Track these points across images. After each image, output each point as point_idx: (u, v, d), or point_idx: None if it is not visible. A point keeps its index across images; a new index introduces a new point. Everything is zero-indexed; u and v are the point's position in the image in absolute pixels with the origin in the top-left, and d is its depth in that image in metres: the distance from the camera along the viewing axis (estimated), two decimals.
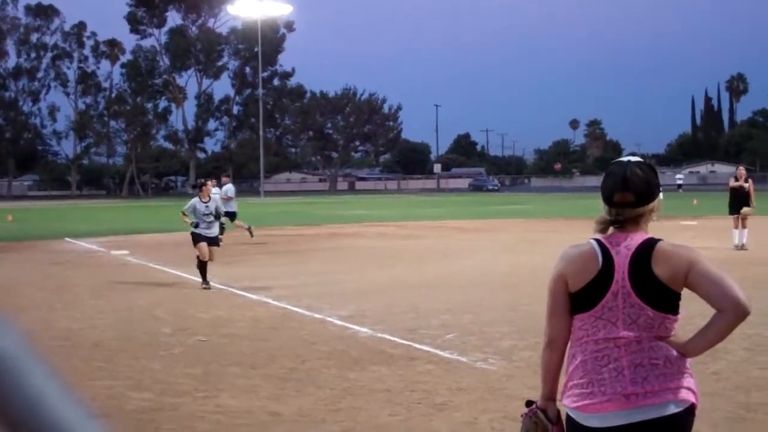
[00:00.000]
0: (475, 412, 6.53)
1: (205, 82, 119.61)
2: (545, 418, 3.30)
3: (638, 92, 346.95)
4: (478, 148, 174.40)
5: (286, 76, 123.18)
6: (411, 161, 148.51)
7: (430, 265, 18.02)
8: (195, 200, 15.16)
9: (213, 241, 15.25)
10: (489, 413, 6.48)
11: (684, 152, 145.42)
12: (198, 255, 14.67)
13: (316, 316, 11.30)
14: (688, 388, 3.11)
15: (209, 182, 17.38)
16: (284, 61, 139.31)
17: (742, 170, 21.55)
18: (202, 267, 14.55)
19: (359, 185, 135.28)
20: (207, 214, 15.09)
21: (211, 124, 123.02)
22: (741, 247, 20.00)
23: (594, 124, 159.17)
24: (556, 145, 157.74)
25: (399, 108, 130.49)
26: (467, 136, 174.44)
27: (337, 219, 38.53)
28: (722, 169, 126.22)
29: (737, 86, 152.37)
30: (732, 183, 21.19)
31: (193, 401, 7.02)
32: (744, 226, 20.43)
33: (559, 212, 40.75)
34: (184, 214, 15.12)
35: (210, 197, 15.47)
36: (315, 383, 7.59)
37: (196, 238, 14.90)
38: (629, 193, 3.17)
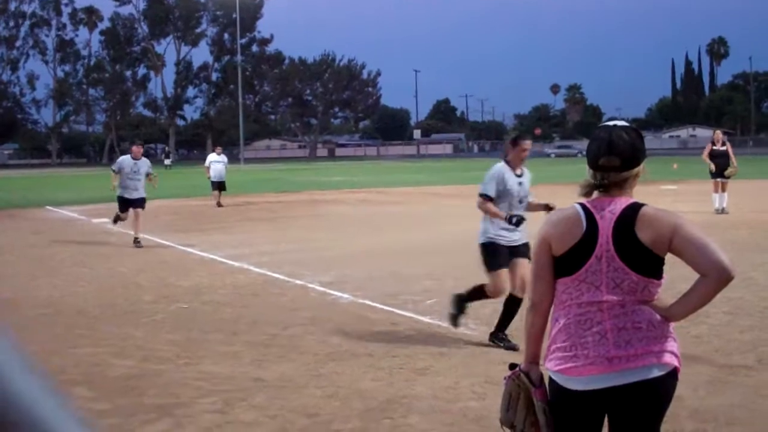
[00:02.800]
0: (456, 377, 6.55)
1: (184, 49, 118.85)
2: (528, 381, 3.30)
3: (618, 56, 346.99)
4: (458, 113, 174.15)
5: (265, 42, 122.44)
6: (391, 127, 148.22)
7: (411, 231, 18.03)
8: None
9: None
10: (470, 377, 6.50)
11: (664, 116, 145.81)
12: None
13: (298, 282, 11.29)
14: (671, 352, 3.12)
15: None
16: (262, 28, 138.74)
17: (719, 134, 21.60)
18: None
19: (339, 152, 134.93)
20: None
21: (190, 92, 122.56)
22: (721, 211, 20.12)
23: (574, 88, 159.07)
24: (536, 110, 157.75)
25: (378, 74, 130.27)
26: (447, 101, 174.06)
27: (317, 185, 38.46)
28: (703, 133, 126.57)
29: (718, 50, 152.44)
30: (708, 148, 21.20)
31: (175, 368, 7.01)
32: (724, 190, 20.51)
33: (540, 178, 40.83)
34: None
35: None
36: (297, 349, 7.59)
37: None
38: (615, 157, 3.16)
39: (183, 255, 14.65)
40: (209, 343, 7.89)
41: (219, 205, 25.84)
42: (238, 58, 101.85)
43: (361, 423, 5.53)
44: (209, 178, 26.66)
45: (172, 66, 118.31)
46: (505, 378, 3.40)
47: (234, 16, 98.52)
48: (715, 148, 20.90)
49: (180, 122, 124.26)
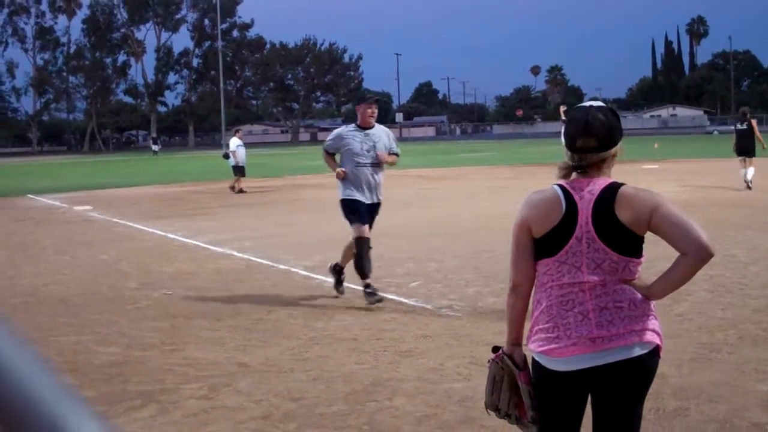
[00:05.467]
0: (440, 358, 6.57)
1: (164, 35, 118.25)
2: (512, 363, 3.31)
3: (599, 37, 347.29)
4: (440, 96, 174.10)
5: (245, 27, 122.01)
6: None
7: (393, 213, 17.99)
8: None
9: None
10: (455, 359, 6.53)
11: (645, 96, 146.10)
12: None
13: (281, 267, 11.28)
14: (653, 330, 3.13)
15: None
16: (243, 13, 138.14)
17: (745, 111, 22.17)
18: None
19: (321, 136, 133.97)
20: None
21: (171, 78, 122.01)
22: (748, 185, 20.71)
23: (555, 70, 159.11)
24: (518, 91, 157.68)
25: (360, 57, 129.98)
26: (429, 84, 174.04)
27: (300, 170, 38.38)
28: (683, 112, 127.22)
29: (697, 29, 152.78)
30: (738, 126, 21.77)
31: (160, 354, 7.00)
32: (748, 166, 21.11)
33: (521, 159, 40.89)
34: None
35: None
36: (281, 333, 7.59)
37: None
38: (592, 138, 3.15)
39: (166, 241, 14.60)
40: (193, 328, 7.88)
41: (242, 191, 25.34)
42: (219, 43, 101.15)
43: (346, 406, 5.54)
44: (237, 163, 25.81)
45: (153, 52, 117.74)
46: (488, 361, 3.40)
47: (214, 1, 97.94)
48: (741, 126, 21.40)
49: (161, 109, 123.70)
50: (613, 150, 3.20)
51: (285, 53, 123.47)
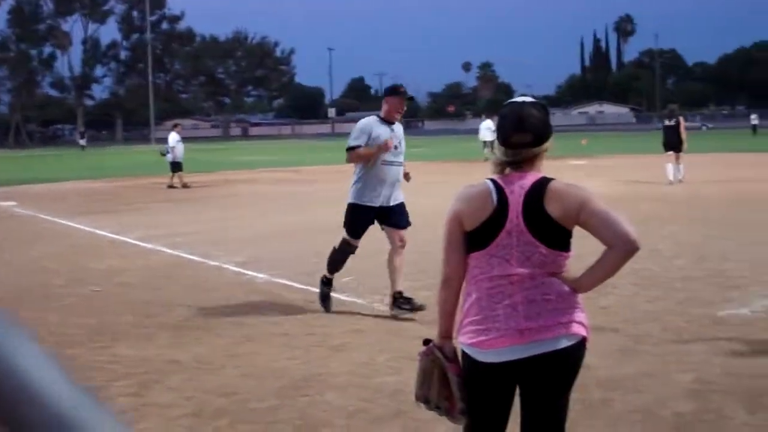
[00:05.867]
0: (372, 353, 6.60)
1: (91, 26, 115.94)
2: (442, 356, 3.34)
3: (529, 35, 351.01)
4: (373, 91, 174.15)
5: (175, 19, 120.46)
6: (305, 106, 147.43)
7: (327, 209, 17.97)
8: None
9: None
10: (386, 353, 6.56)
11: (573, 93, 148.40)
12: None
13: (212, 263, 11.19)
14: (580, 323, 3.19)
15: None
16: (173, 5, 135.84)
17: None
18: None
19: (253, 131, 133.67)
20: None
21: (99, 71, 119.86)
22: (676, 180, 21.38)
23: (486, 66, 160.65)
24: (449, 87, 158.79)
25: (292, 52, 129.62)
26: (361, 79, 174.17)
27: (231, 165, 38.09)
28: (610, 109, 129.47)
29: (624, 27, 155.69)
30: (666, 123, 22.55)
31: (88, 351, 6.89)
32: (678, 162, 21.74)
33: (453, 154, 41.16)
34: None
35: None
36: (213, 330, 7.53)
37: None
38: (527, 133, 3.21)
39: (95, 237, 14.36)
40: (122, 325, 7.78)
41: (186, 185, 25.07)
42: (148, 35, 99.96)
43: (277, 400, 5.53)
44: (175, 159, 25.55)
45: (80, 44, 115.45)
46: (419, 354, 3.43)
47: None
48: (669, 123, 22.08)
49: (88, 102, 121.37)
50: (545, 145, 3.26)
51: (216, 46, 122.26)
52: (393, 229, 8.22)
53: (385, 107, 8.10)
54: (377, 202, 8.08)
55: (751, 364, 6.11)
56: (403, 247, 8.15)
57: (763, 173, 25.02)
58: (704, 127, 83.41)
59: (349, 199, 8.26)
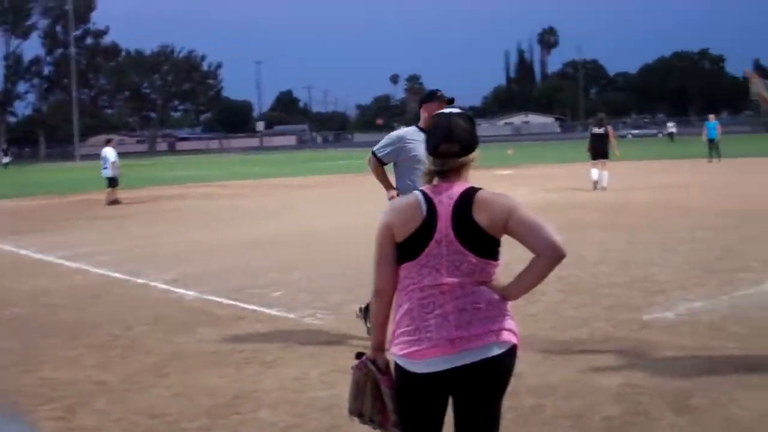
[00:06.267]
0: (304, 368, 6.56)
1: (14, 42, 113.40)
2: (375, 368, 3.33)
3: (455, 47, 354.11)
4: (301, 104, 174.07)
5: (100, 34, 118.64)
6: (233, 120, 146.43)
7: (257, 224, 17.90)
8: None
9: None
10: (319, 368, 6.52)
11: (499, 104, 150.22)
12: None
13: (139, 281, 11.01)
14: (510, 330, 3.22)
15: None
16: (97, 19, 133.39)
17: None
18: None
19: (180, 146, 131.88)
20: None
21: (21, 87, 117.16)
22: (600, 188, 22.05)
23: (413, 78, 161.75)
24: (378, 100, 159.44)
25: (219, 65, 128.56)
26: (290, 93, 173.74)
27: (158, 181, 37.61)
28: (536, 119, 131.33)
29: (548, 39, 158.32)
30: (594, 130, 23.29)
31: (12, 376, 6.71)
32: (603, 169, 22.42)
33: None
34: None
35: None
36: (141, 349, 7.41)
37: None
38: (454, 143, 3.23)
39: (19, 257, 14.03)
40: (48, 348, 7.60)
41: (118, 201, 24.86)
42: (72, 50, 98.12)
43: (209, 420, 5.46)
44: (114, 175, 25.37)
45: (1, 60, 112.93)
46: (352, 367, 3.42)
47: (66, 7, 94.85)
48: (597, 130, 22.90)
49: (11, 119, 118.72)
50: (472, 155, 3.28)
51: (141, 61, 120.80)
52: None
53: (424, 115, 7.28)
54: None
55: (677, 367, 6.23)
56: None
57: (681, 179, 25.75)
58: (629, 135, 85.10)
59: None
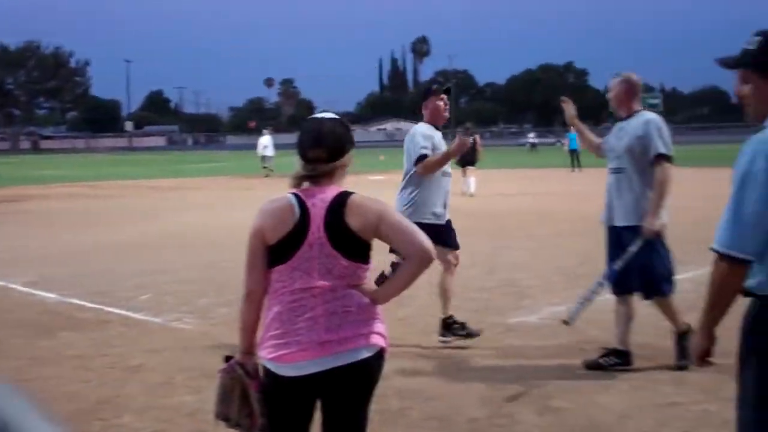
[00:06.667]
0: (170, 372, 6.44)
1: None
2: (243, 372, 3.30)
3: (330, 52, 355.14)
4: (172, 105, 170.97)
5: None
6: (100, 119, 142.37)
7: (125, 225, 17.46)
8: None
9: None
10: (184, 372, 6.42)
11: (373, 110, 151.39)
12: None
13: None
14: (379, 333, 3.25)
15: None
16: None
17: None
18: None
19: (44, 144, 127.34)
20: None
21: None
22: (468, 194, 22.80)
23: (288, 82, 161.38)
24: (252, 102, 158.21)
25: (87, 63, 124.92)
26: (160, 92, 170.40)
27: (20, 180, 36.21)
28: (407, 126, 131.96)
29: (420, 48, 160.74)
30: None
31: None
32: (470, 176, 23.38)
33: (255, 169, 40.90)
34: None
35: None
36: (1, 354, 7.12)
37: None
38: (322, 149, 3.25)
39: None
40: None
41: None
42: None
43: (70, 426, 5.29)
44: None
45: None
46: (219, 371, 3.38)
47: None
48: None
49: None
50: (342, 161, 3.30)
51: (5, 56, 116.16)
52: (449, 249, 7.16)
53: (425, 112, 7.25)
54: (443, 220, 7.12)
55: (540, 369, 6.42)
56: (457, 266, 7.37)
57: (545, 187, 26.60)
58: (558, 143, 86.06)
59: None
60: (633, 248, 6.10)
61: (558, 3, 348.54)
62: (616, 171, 6.37)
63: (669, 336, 6.51)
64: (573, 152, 35.61)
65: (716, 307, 2.93)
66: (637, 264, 6.14)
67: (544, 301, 8.89)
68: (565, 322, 6.37)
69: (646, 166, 6.18)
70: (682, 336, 6.26)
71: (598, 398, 5.66)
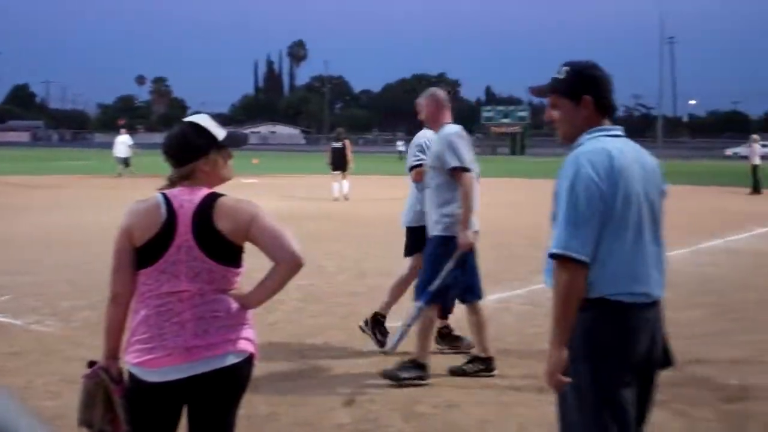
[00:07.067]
0: (29, 376, 6.23)
1: None
2: (107, 377, 3.23)
3: (205, 52, 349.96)
4: (38, 100, 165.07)
5: None
6: None
7: None
8: None
9: None
10: (44, 376, 6.22)
11: (247, 112, 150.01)
12: None
13: None
14: (248, 339, 3.24)
15: None
16: None
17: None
18: None
19: None
20: None
21: None
22: (342, 197, 23.12)
23: (160, 81, 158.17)
24: (122, 100, 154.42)
25: None
26: (26, 87, 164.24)
27: None
28: (282, 130, 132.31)
29: (297, 52, 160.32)
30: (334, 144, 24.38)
31: None
32: (344, 180, 23.58)
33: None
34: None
35: None
36: None
37: None
38: (169, 153, 3.28)
39: None
40: None
41: None
42: None
43: None
44: None
45: None
46: (83, 376, 3.30)
47: None
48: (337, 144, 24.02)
49: None
50: (197, 164, 3.26)
51: None
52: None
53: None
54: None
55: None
56: None
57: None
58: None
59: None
60: (449, 265, 6.22)
61: (431, 16, 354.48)
62: (428, 185, 6.50)
63: (534, 342, 6.73)
64: None
65: (566, 316, 3.07)
66: (451, 278, 6.28)
67: (413, 306, 8.99)
68: (385, 353, 6.58)
69: (447, 179, 6.29)
70: (482, 360, 6.46)
71: (461, 403, 5.79)
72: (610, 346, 3.11)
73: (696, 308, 8.99)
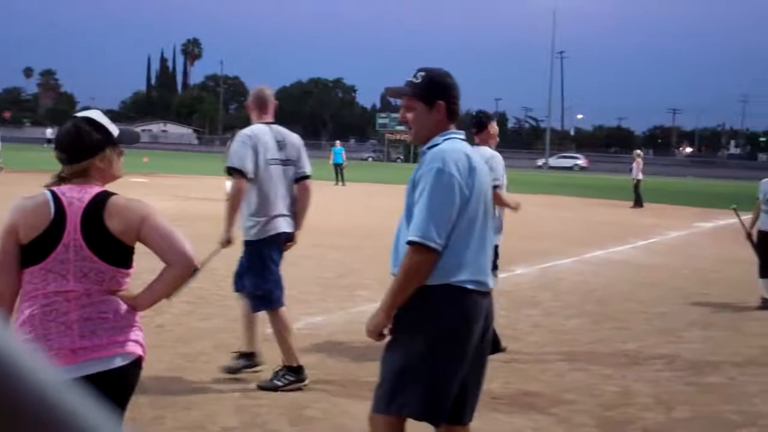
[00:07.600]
0: None
1: None
2: None
3: (96, 46, 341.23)
4: None
5: None
6: None
7: None
8: None
9: None
10: None
11: (138, 110, 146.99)
12: None
13: None
14: (136, 341, 3.20)
15: None
16: None
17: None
18: None
19: None
20: None
21: None
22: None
23: (48, 73, 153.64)
24: (8, 92, 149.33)
25: None
26: None
27: None
28: (174, 129, 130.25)
29: (192, 50, 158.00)
30: None
31: None
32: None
33: (9, 164, 38.62)
34: None
35: None
36: None
37: None
38: (60, 149, 3.23)
39: None
40: None
41: None
42: None
43: None
44: None
45: None
46: None
47: None
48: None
49: None
50: (90, 161, 3.21)
51: None
52: None
53: (487, 132, 7.45)
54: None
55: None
56: None
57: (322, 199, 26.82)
58: (399, 160, 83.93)
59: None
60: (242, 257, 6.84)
61: (328, 21, 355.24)
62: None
63: None
64: (337, 166, 36.17)
65: (403, 291, 3.42)
66: (242, 272, 6.96)
67: (302, 311, 9.00)
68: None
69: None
70: (247, 356, 6.58)
71: (349, 408, 5.82)
72: (451, 328, 3.43)
73: (580, 316, 9.26)
